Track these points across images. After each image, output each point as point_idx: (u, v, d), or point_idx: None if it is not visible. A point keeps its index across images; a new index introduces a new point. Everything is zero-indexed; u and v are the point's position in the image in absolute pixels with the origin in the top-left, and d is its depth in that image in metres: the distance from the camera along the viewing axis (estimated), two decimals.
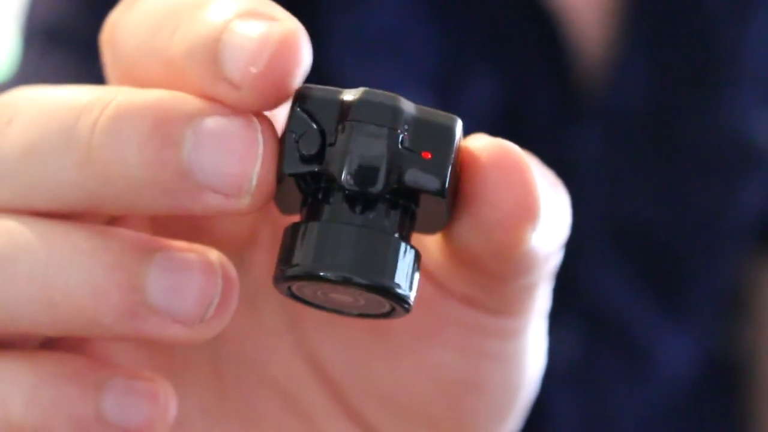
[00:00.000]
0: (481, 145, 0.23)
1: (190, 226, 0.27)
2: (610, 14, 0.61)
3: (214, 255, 0.23)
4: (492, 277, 0.25)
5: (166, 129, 0.22)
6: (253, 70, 0.22)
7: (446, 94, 0.58)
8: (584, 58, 0.60)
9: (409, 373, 0.27)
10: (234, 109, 0.22)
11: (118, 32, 0.25)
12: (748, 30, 0.62)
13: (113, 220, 0.26)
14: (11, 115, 0.24)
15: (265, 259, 0.28)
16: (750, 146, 0.62)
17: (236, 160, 0.22)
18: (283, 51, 0.22)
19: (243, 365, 0.28)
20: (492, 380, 0.27)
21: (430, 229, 0.24)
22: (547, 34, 0.59)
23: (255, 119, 0.22)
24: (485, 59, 0.59)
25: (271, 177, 0.22)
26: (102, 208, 0.23)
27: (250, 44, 0.22)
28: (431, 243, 0.25)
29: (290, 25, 0.22)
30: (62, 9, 0.56)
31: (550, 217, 0.24)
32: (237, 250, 0.28)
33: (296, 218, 0.24)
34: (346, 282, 0.22)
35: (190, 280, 0.23)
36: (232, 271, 0.23)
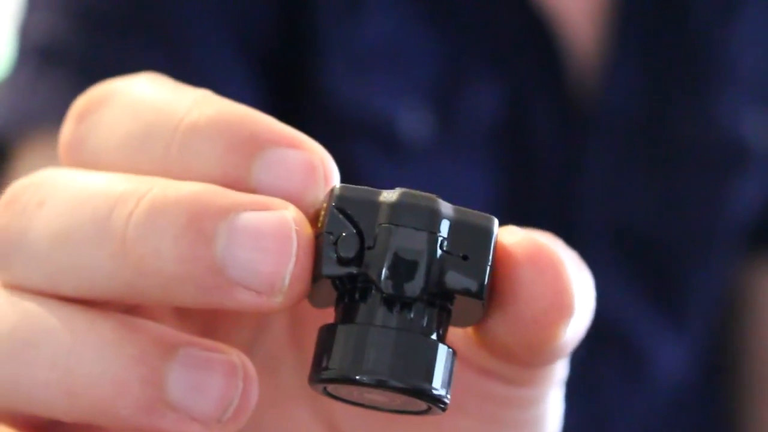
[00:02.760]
0: (515, 240, 0.23)
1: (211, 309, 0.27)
2: (602, 19, 0.62)
3: (235, 355, 0.23)
4: (520, 366, 0.25)
5: (200, 224, 0.22)
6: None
7: (445, 104, 0.59)
8: (579, 64, 0.61)
9: None
10: (269, 205, 0.22)
11: (84, 150, 0.25)
12: (737, 30, 0.63)
13: (135, 306, 0.26)
14: (42, 197, 0.24)
15: (284, 328, 0.28)
16: (741, 145, 0.63)
17: (270, 259, 0.22)
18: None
19: (263, 430, 0.28)
20: None
21: (463, 324, 0.24)
22: (543, 42, 0.60)
23: (290, 216, 0.22)
24: (483, 68, 0.59)
25: (304, 276, 0.22)
26: (133, 298, 0.23)
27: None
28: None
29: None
30: (56, 28, 0.55)
31: (580, 307, 0.24)
32: (257, 319, 0.28)
33: (326, 311, 0.24)
34: (381, 385, 0.22)
35: (212, 380, 0.23)
36: (253, 372, 0.23)
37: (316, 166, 0.23)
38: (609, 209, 0.61)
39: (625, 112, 0.61)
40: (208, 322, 0.27)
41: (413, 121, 0.58)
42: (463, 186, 0.58)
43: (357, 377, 0.22)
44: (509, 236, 0.23)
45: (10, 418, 0.24)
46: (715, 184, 0.63)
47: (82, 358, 0.23)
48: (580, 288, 0.24)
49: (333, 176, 0.23)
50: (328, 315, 0.24)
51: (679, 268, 0.63)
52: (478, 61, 0.59)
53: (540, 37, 0.60)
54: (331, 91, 0.57)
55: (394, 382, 0.22)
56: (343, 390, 0.23)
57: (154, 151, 0.24)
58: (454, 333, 0.25)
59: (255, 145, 0.23)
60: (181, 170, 0.23)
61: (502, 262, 0.23)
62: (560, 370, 0.27)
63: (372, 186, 0.23)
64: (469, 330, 0.25)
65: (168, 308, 0.27)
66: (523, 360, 0.24)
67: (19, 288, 0.24)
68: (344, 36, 0.58)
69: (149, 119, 0.24)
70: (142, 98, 0.25)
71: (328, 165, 0.23)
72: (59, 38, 0.55)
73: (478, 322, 0.24)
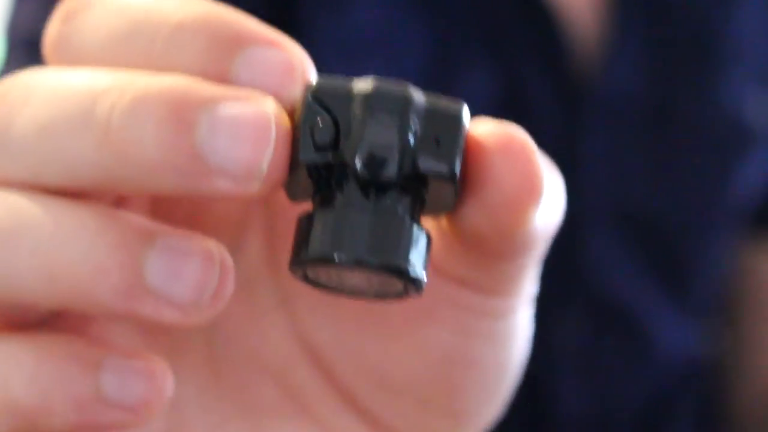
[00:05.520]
0: (486, 129, 0.24)
1: (188, 208, 0.28)
2: (603, 1, 0.62)
3: (212, 244, 0.24)
4: (492, 257, 0.26)
5: (181, 114, 0.22)
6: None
7: (437, 90, 0.59)
8: (579, 46, 0.61)
9: (402, 352, 0.28)
10: (248, 96, 0.23)
11: (69, 47, 0.26)
12: (738, 11, 0.63)
13: (116, 203, 0.27)
14: (27, 94, 0.24)
15: (258, 243, 0.28)
16: (744, 126, 0.63)
17: (248, 147, 0.23)
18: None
19: (237, 347, 0.29)
20: (483, 358, 0.28)
21: (437, 212, 0.25)
22: (541, 24, 0.60)
23: (269, 107, 0.23)
24: (478, 52, 0.60)
25: (281, 164, 0.23)
26: (115, 186, 0.24)
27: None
28: (428, 225, 0.26)
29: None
30: (45, 19, 0.56)
31: (549, 197, 0.25)
32: (231, 232, 0.28)
33: (302, 205, 0.24)
34: (360, 264, 0.23)
35: (189, 266, 0.23)
36: (229, 261, 0.24)
37: (295, 65, 0.24)
38: (611, 191, 0.61)
39: (627, 93, 0.61)
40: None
41: None
42: None
43: (335, 256, 0.23)
44: (482, 126, 0.24)
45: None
46: (718, 164, 0.63)
47: (63, 244, 0.23)
48: (550, 180, 0.25)
49: (311, 76, 0.24)
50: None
51: (683, 249, 0.64)
52: (471, 46, 0.60)
53: (537, 20, 0.60)
54: None
55: (371, 260, 0.23)
56: (322, 274, 0.24)
57: (138, 48, 0.24)
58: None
59: (236, 43, 0.24)
60: (164, 66, 0.24)
61: (474, 149, 0.24)
62: (529, 283, 0.28)
63: None
64: (445, 230, 0.26)
65: (147, 210, 0.27)
66: (495, 249, 0.25)
67: (5, 182, 0.24)
68: (332, 24, 0.58)
69: (135, 17, 0.25)
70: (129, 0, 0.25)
71: (307, 65, 0.24)
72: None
73: (452, 209, 0.25)
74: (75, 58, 0.25)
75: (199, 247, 0.24)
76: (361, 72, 0.62)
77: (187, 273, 0.23)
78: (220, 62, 0.24)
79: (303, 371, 0.28)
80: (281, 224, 0.28)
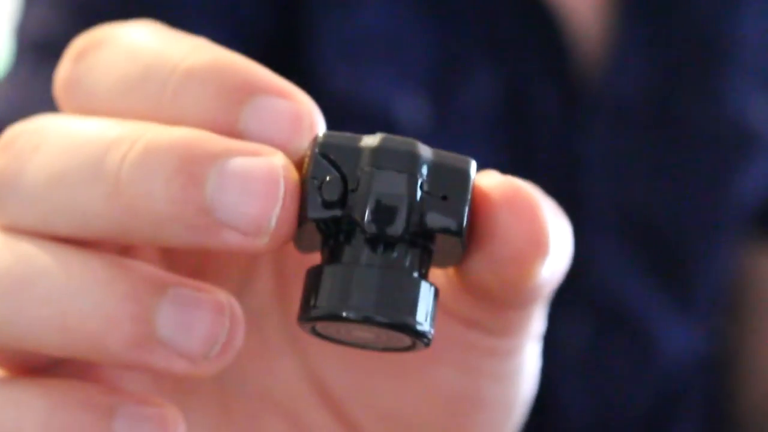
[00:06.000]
0: (492, 183, 0.24)
1: (198, 250, 0.28)
2: (605, 4, 0.62)
3: (223, 295, 0.24)
4: (499, 307, 0.26)
5: (191, 168, 0.23)
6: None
7: (442, 95, 0.59)
8: (582, 49, 0.61)
9: (411, 391, 0.28)
10: (257, 151, 0.23)
11: (80, 88, 0.26)
12: (742, 16, 0.63)
13: (125, 250, 0.27)
14: (38, 142, 0.25)
15: (268, 283, 0.29)
16: (748, 129, 0.63)
17: (257, 202, 0.23)
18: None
19: (247, 387, 0.29)
20: (490, 397, 0.28)
21: (444, 265, 0.25)
22: (545, 28, 0.60)
23: (278, 163, 0.23)
24: (482, 57, 0.60)
25: (290, 219, 0.23)
26: (124, 238, 0.24)
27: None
28: (438, 270, 0.26)
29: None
30: (53, 22, 0.56)
31: (556, 248, 0.25)
32: (242, 273, 0.29)
33: (313, 256, 0.25)
34: (368, 321, 0.23)
35: (199, 318, 0.24)
36: (239, 312, 0.24)
37: (303, 116, 0.24)
38: (614, 193, 0.61)
39: (630, 96, 0.61)
40: (194, 275, 0.28)
41: (409, 110, 0.58)
42: None
43: (344, 314, 0.23)
44: (488, 179, 0.24)
45: (5, 358, 0.25)
46: (722, 168, 0.63)
47: (75, 295, 0.23)
48: (557, 231, 0.25)
49: (318, 127, 0.24)
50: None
51: (686, 252, 0.64)
52: (476, 48, 0.60)
53: (541, 22, 0.60)
54: (326, 80, 0.58)
55: (379, 317, 0.23)
56: (331, 328, 0.24)
57: (148, 94, 0.25)
58: (438, 284, 0.26)
59: (245, 92, 0.24)
60: (173, 113, 0.24)
61: (480, 203, 0.24)
62: (537, 323, 0.28)
63: None
64: (452, 277, 0.26)
65: (157, 258, 0.28)
66: (502, 300, 0.25)
67: (15, 229, 0.25)
68: (338, 24, 0.58)
69: (146, 62, 0.25)
70: (140, 42, 0.26)
71: (315, 116, 0.24)
72: (56, 33, 0.56)
73: (459, 262, 0.25)
74: (86, 101, 0.26)
75: (210, 299, 0.24)
76: (366, 73, 0.62)
77: (197, 325, 0.23)
78: (229, 111, 0.24)
79: (313, 409, 0.29)
80: (291, 265, 0.28)
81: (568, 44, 0.60)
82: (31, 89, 0.55)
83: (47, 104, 0.54)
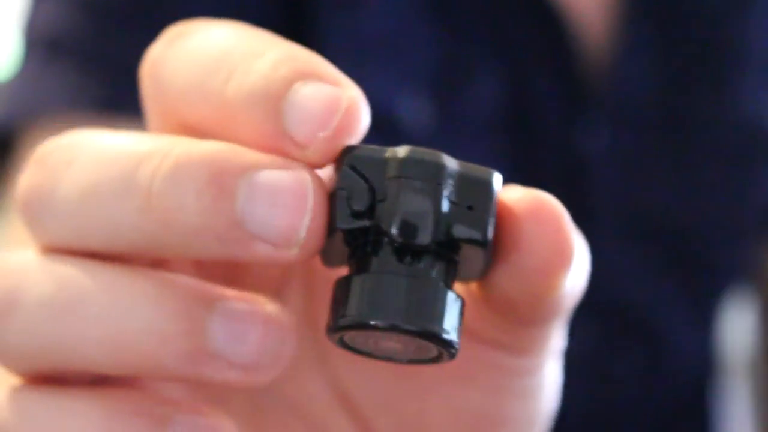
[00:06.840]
0: (516, 195, 0.24)
1: (229, 263, 0.28)
2: (612, 4, 0.61)
3: (270, 306, 0.25)
4: (522, 323, 0.26)
5: (222, 180, 0.23)
6: (321, 134, 0.23)
7: (445, 93, 0.59)
8: (588, 50, 0.61)
9: (437, 409, 0.28)
10: (286, 164, 0.24)
11: (164, 69, 0.26)
12: (751, 15, 0.63)
13: (158, 264, 0.27)
14: (70, 157, 0.25)
15: (297, 298, 0.29)
16: (760, 131, 0.63)
17: (287, 213, 0.23)
18: (350, 118, 0.23)
19: (277, 399, 0.29)
20: (514, 415, 0.29)
21: (468, 277, 0.25)
22: (550, 28, 0.60)
23: (306, 175, 0.23)
24: (486, 57, 0.59)
25: (319, 230, 0.24)
26: (157, 251, 0.24)
27: (318, 109, 0.23)
28: (462, 292, 0.27)
29: (353, 93, 0.24)
30: (63, 19, 0.56)
31: (578, 260, 0.25)
32: (271, 288, 0.29)
33: (338, 270, 0.25)
34: (396, 329, 0.23)
35: (251, 328, 0.24)
36: (288, 320, 0.25)
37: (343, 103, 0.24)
38: (621, 195, 0.61)
39: (636, 96, 0.61)
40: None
41: (413, 111, 0.58)
42: None
43: (372, 322, 0.23)
44: (512, 192, 0.25)
45: (51, 376, 0.26)
46: (735, 169, 0.63)
47: (126, 315, 0.24)
48: (579, 244, 0.25)
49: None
50: None
51: (699, 254, 0.63)
52: (480, 49, 0.60)
53: (546, 23, 0.60)
54: None
55: (407, 326, 0.23)
56: (358, 339, 0.24)
57: (215, 86, 0.25)
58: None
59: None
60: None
61: (505, 216, 0.24)
62: (557, 340, 0.28)
63: None
64: (476, 296, 0.26)
65: (189, 272, 0.28)
66: (526, 314, 0.26)
67: (50, 246, 0.25)
68: (343, 25, 0.58)
69: (210, 61, 0.25)
70: (222, 36, 0.26)
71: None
72: (66, 29, 0.56)
73: (483, 275, 0.25)
74: (167, 86, 0.26)
75: (259, 310, 0.24)
76: (371, 73, 0.62)
77: (249, 336, 0.24)
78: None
79: (341, 423, 0.29)
80: (319, 280, 0.29)
81: (574, 45, 0.60)
82: (41, 85, 0.55)
83: (57, 100, 0.55)
